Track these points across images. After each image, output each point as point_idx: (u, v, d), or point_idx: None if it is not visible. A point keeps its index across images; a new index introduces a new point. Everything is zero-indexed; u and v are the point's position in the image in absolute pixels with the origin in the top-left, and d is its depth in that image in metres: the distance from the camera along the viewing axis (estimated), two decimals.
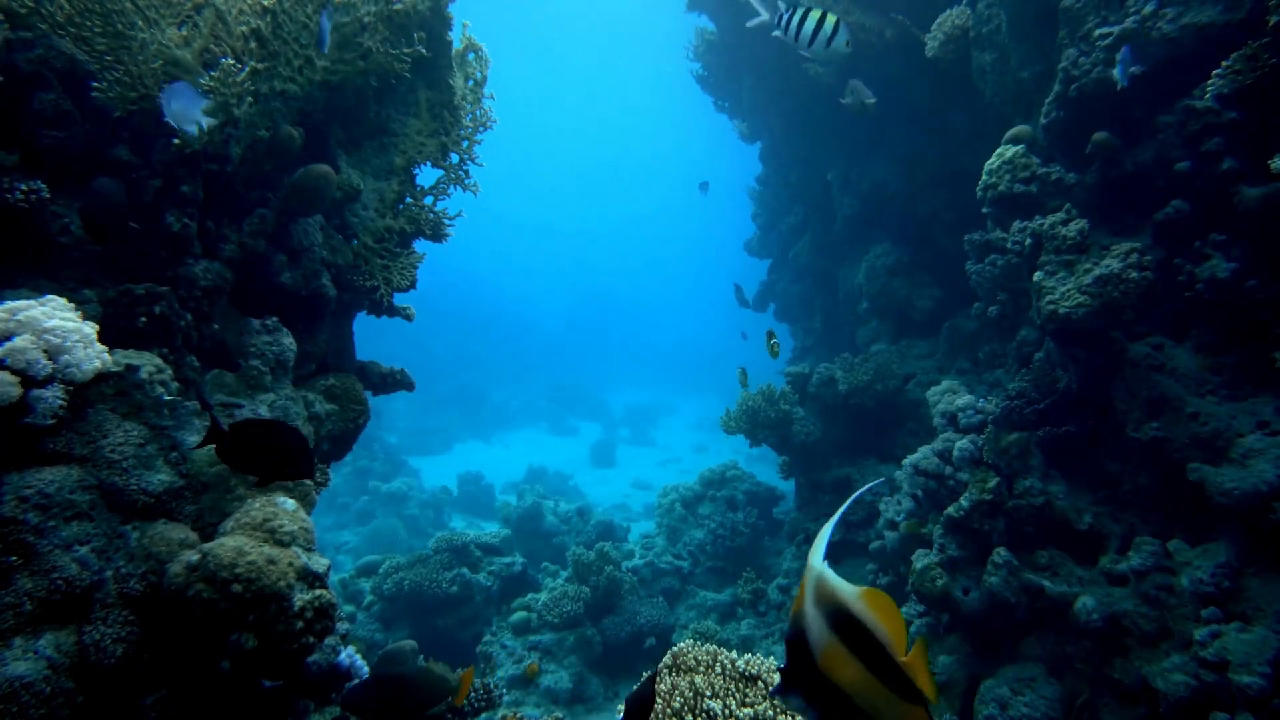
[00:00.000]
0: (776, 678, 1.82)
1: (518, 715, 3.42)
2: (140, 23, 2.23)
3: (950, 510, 3.79)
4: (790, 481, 6.53)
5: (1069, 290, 3.40)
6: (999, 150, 3.92)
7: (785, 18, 2.98)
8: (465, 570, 5.73)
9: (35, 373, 1.76)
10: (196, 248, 2.51)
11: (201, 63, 2.34)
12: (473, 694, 3.15)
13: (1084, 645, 3.35)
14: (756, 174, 8.59)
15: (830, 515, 1.08)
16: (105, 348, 1.90)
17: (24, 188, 2.06)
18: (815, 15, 2.89)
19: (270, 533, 1.94)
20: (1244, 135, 3.17)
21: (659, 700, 1.96)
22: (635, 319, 34.06)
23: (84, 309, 2.02)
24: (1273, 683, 2.72)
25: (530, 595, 5.80)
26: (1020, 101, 4.26)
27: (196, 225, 2.50)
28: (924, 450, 4.20)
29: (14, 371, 1.74)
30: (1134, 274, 3.29)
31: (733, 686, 1.84)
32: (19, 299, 1.85)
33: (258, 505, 2.01)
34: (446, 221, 3.34)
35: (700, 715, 1.91)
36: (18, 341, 1.75)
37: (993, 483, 3.69)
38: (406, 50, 2.96)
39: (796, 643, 1.00)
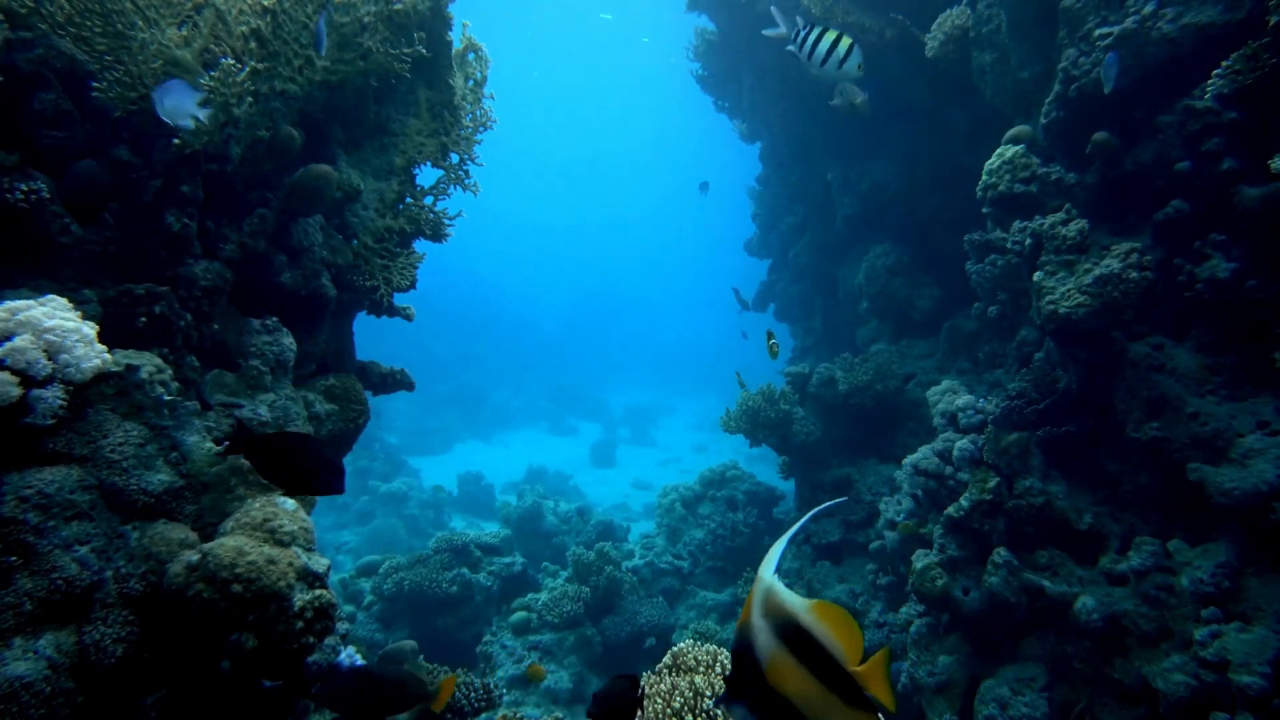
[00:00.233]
0: None
1: (518, 715, 3.42)
2: (140, 23, 2.23)
3: (950, 510, 3.79)
4: (790, 481, 6.53)
5: (1069, 290, 3.40)
6: (999, 150, 3.92)
7: (802, 34, 2.99)
8: (465, 570, 5.73)
9: (35, 373, 1.76)
10: (196, 248, 2.51)
11: (201, 63, 2.34)
12: (472, 694, 3.15)
13: (1084, 645, 3.35)
14: (756, 174, 8.59)
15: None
16: (105, 348, 1.90)
17: (24, 188, 2.06)
18: (830, 36, 2.91)
19: (270, 533, 1.94)
20: (1244, 135, 3.17)
21: (659, 700, 1.96)
22: (635, 319, 34.08)
23: (84, 309, 2.02)
24: (1273, 683, 2.72)
25: (530, 595, 5.80)
26: (1020, 101, 4.26)
27: (196, 225, 2.50)
28: (924, 450, 4.20)
29: (14, 371, 1.74)
30: (1134, 274, 3.29)
31: None
32: (19, 299, 1.85)
33: (258, 505, 2.01)
34: (446, 221, 3.34)
35: (700, 715, 1.91)
36: (18, 341, 1.75)
37: (993, 483, 3.69)
38: (406, 50, 2.96)
39: (742, 653, 1.00)
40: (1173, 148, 3.41)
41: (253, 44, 2.44)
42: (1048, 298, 3.45)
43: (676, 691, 1.96)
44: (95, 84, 2.20)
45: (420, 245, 3.41)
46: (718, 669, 2.00)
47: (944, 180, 5.63)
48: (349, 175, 3.10)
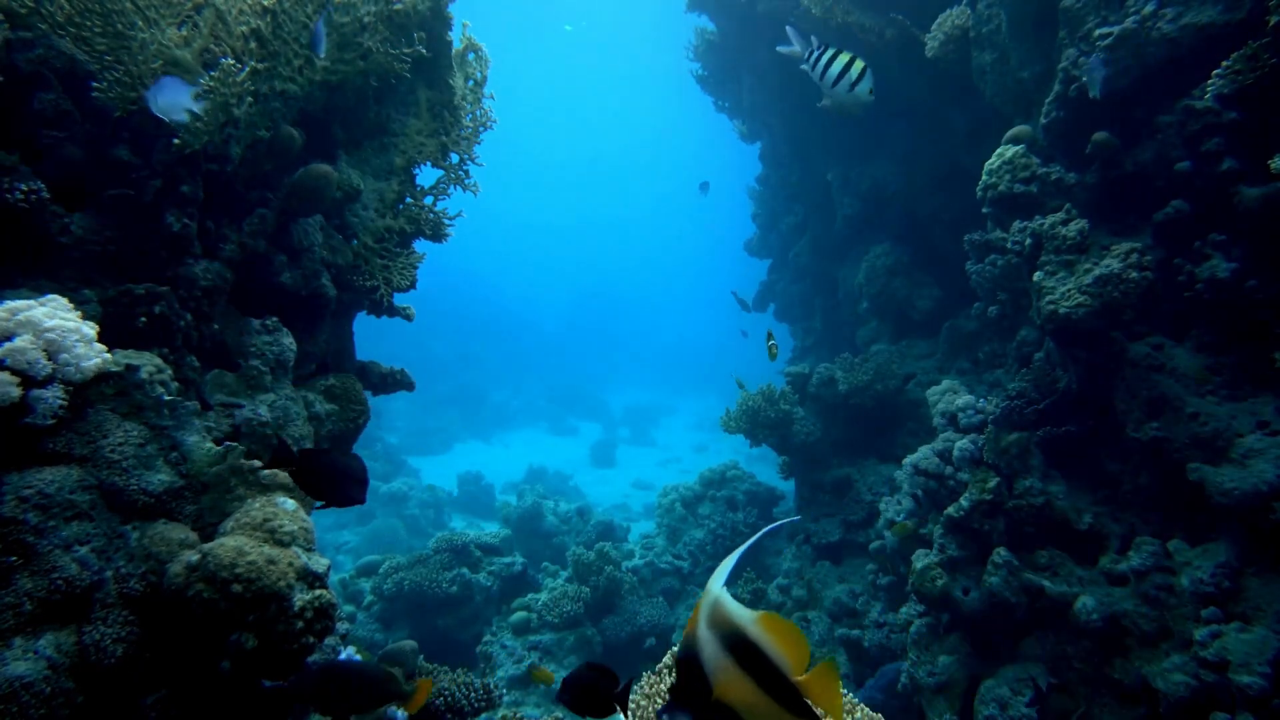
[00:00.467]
0: None
1: (518, 715, 3.42)
2: (140, 23, 2.23)
3: (950, 510, 3.79)
4: (790, 481, 6.53)
5: (1069, 290, 3.40)
6: (999, 150, 3.92)
7: (816, 55, 2.99)
8: (465, 570, 5.73)
9: (35, 373, 1.76)
10: (196, 248, 2.51)
11: (201, 63, 2.34)
12: (472, 694, 3.14)
13: (1084, 645, 3.35)
14: (756, 174, 8.60)
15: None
16: (105, 347, 1.90)
17: (24, 188, 2.06)
18: (844, 59, 2.92)
19: (270, 533, 1.94)
20: (1244, 135, 3.17)
21: (659, 700, 1.96)
22: (635, 319, 34.09)
23: (84, 309, 2.02)
24: (1273, 683, 2.72)
25: (530, 595, 5.81)
26: (1020, 101, 4.26)
27: (196, 225, 2.50)
28: (924, 450, 4.20)
29: (14, 372, 1.74)
30: (1134, 274, 3.29)
31: None
32: (19, 299, 1.85)
33: (258, 505, 2.01)
34: (446, 221, 3.34)
35: None
36: (18, 342, 1.75)
37: (993, 483, 3.69)
38: (406, 50, 2.96)
39: (688, 663, 1.02)
40: (1173, 148, 3.41)
41: (253, 44, 2.44)
42: (1048, 298, 3.45)
43: None
44: (95, 84, 2.20)
45: (420, 245, 3.41)
46: None
47: (944, 180, 5.63)
48: (349, 175, 3.10)
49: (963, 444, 3.96)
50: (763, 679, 0.97)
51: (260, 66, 2.46)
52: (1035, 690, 2.97)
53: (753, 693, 0.98)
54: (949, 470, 4.04)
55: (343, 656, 2.36)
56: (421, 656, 3.30)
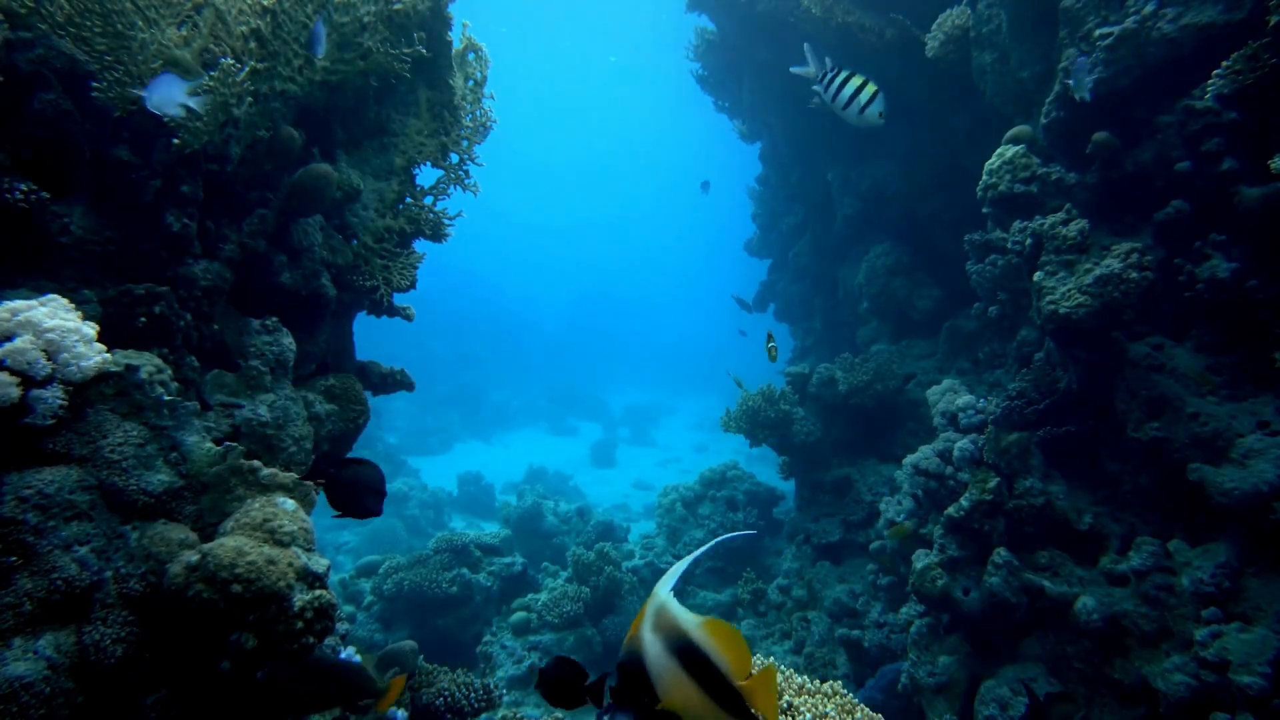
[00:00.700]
0: (778, 678, 1.82)
1: (518, 715, 3.42)
2: (140, 23, 2.23)
3: (950, 510, 3.79)
4: (790, 481, 6.53)
5: (1069, 290, 3.40)
6: (999, 150, 3.92)
7: (829, 77, 3.02)
8: (465, 570, 5.72)
9: (35, 373, 1.76)
10: (196, 248, 2.51)
11: (201, 63, 2.34)
12: (472, 694, 3.14)
13: (1084, 645, 3.35)
14: (756, 174, 8.60)
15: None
16: (105, 347, 1.90)
17: (24, 188, 2.06)
18: (856, 81, 2.94)
19: (270, 533, 1.94)
20: (1244, 135, 3.17)
21: None
22: (635, 319, 34.11)
23: (84, 309, 2.02)
24: (1273, 683, 2.72)
25: (530, 595, 5.80)
26: (1020, 101, 4.25)
27: (196, 225, 2.50)
28: (924, 450, 4.20)
29: (14, 372, 1.74)
30: (1134, 274, 3.29)
31: None
32: (19, 299, 1.85)
33: (257, 505, 2.01)
34: (446, 221, 3.34)
35: None
36: (18, 342, 1.75)
37: (993, 483, 3.69)
38: (406, 50, 2.96)
39: (631, 665, 1.04)
40: (1173, 148, 3.41)
41: (252, 44, 2.44)
42: (1048, 298, 3.45)
43: None
44: (95, 84, 2.20)
45: (420, 245, 3.41)
46: None
47: (944, 180, 5.63)
48: (349, 175, 3.10)
49: (963, 444, 3.96)
50: (706, 683, 1.00)
51: (260, 66, 2.46)
52: (1032, 700, 2.95)
53: (696, 696, 1.00)
54: (949, 470, 4.04)
55: (343, 657, 2.36)
56: (421, 657, 3.30)
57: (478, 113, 3.39)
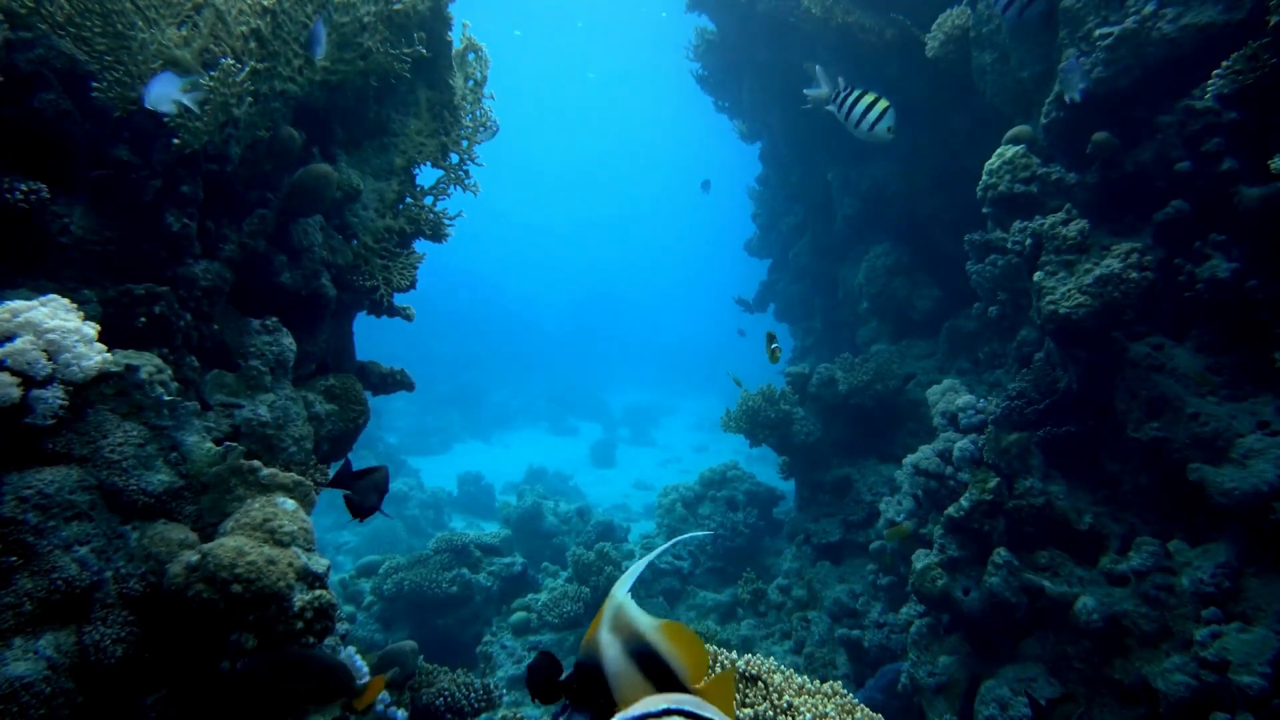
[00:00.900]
0: (778, 678, 1.81)
1: (518, 715, 3.42)
2: (140, 23, 2.23)
3: (951, 510, 3.79)
4: (790, 481, 6.53)
5: (1069, 290, 3.40)
6: (999, 150, 3.92)
7: (843, 96, 3.07)
8: (465, 570, 5.73)
9: (35, 373, 1.76)
10: (196, 248, 2.51)
11: (201, 63, 2.34)
12: (472, 694, 3.14)
13: (1084, 645, 3.35)
14: (756, 174, 8.59)
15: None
16: (105, 347, 1.90)
17: (24, 188, 2.06)
18: (868, 99, 3.01)
19: (270, 533, 1.94)
20: (1244, 135, 3.17)
21: None
22: (635, 319, 34.11)
23: (84, 309, 2.02)
24: (1273, 683, 2.72)
25: (530, 595, 5.81)
26: (1020, 101, 4.25)
27: (196, 225, 2.50)
28: (924, 450, 4.20)
29: (14, 372, 1.74)
30: (1134, 274, 3.29)
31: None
32: (19, 299, 1.85)
33: (257, 506, 2.01)
34: (446, 221, 3.34)
35: None
36: (19, 343, 1.75)
37: (993, 483, 3.69)
38: (406, 50, 2.96)
39: (588, 666, 1.05)
40: (1173, 148, 3.41)
41: (252, 44, 2.44)
42: (1048, 298, 3.45)
43: None
44: (95, 84, 2.20)
45: (420, 245, 3.41)
46: (718, 669, 2.00)
47: (944, 180, 5.63)
48: (349, 175, 3.10)
49: (963, 444, 3.96)
50: (662, 686, 1.01)
51: (260, 66, 2.46)
52: (1033, 706, 2.95)
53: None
54: (949, 470, 4.04)
55: (342, 657, 2.36)
56: (421, 657, 3.30)
57: (478, 113, 3.39)
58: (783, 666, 1.86)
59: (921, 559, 3.89)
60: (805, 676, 1.83)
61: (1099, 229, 3.64)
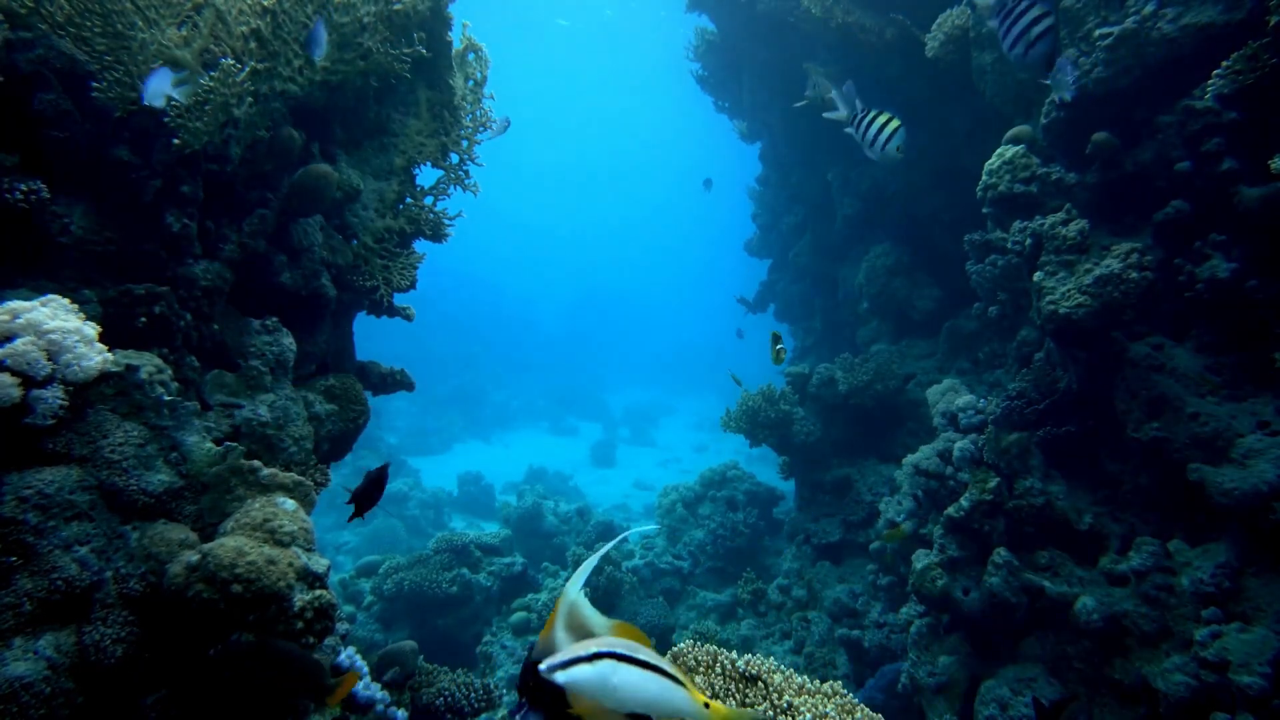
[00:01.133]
0: (778, 678, 1.81)
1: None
2: (140, 23, 2.23)
3: (950, 510, 3.79)
4: (790, 481, 6.53)
5: (1069, 290, 3.40)
6: (999, 150, 3.92)
7: (859, 118, 3.14)
8: (465, 570, 5.72)
9: (36, 373, 1.76)
10: (196, 248, 2.51)
11: (201, 63, 2.34)
12: (472, 694, 3.14)
13: (1084, 645, 3.35)
14: (756, 174, 8.59)
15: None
16: (105, 347, 1.90)
17: (24, 187, 2.06)
18: (882, 119, 3.08)
19: (270, 533, 1.94)
20: (1244, 135, 3.17)
21: None
22: (635, 319, 34.10)
23: (84, 309, 2.02)
24: (1273, 683, 2.72)
25: (530, 595, 5.80)
26: (1020, 101, 4.25)
27: (196, 225, 2.50)
28: (924, 450, 4.20)
29: (15, 373, 1.74)
30: (1134, 274, 3.29)
31: (733, 687, 1.83)
32: (19, 299, 1.85)
33: (257, 506, 2.01)
34: (446, 221, 3.34)
35: None
36: (19, 344, 1.75)
37: (993, 483, 3.69)
38: (406, 50, 2.96)
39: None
40: (1173, 148, 3.41)
41: (253, 44, 2.44)
42: (1048, 298, 3.45)
43: None
44: (95, 84, 2.20)
45: (420, 245, 3.41)
46: (717, 669, 2.00)
47: (944, 180, 5.63)
48: (349, 175, 3.10)
49: (963, 444, 3.96)
50: None
51: (260, 67, 2.46)
52: (1037, 708, 2.95)
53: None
54: (949, 470, 4.04)
55: (342, 657, 2.37)
56: (421, 657, 3.30)
57: (478, 113, 3.39)
58: (783, 666, 1.86)
59: (921, 559, 3.89)
60: (805, 676, 1.83)
61: (1099, 229, 3.64)
